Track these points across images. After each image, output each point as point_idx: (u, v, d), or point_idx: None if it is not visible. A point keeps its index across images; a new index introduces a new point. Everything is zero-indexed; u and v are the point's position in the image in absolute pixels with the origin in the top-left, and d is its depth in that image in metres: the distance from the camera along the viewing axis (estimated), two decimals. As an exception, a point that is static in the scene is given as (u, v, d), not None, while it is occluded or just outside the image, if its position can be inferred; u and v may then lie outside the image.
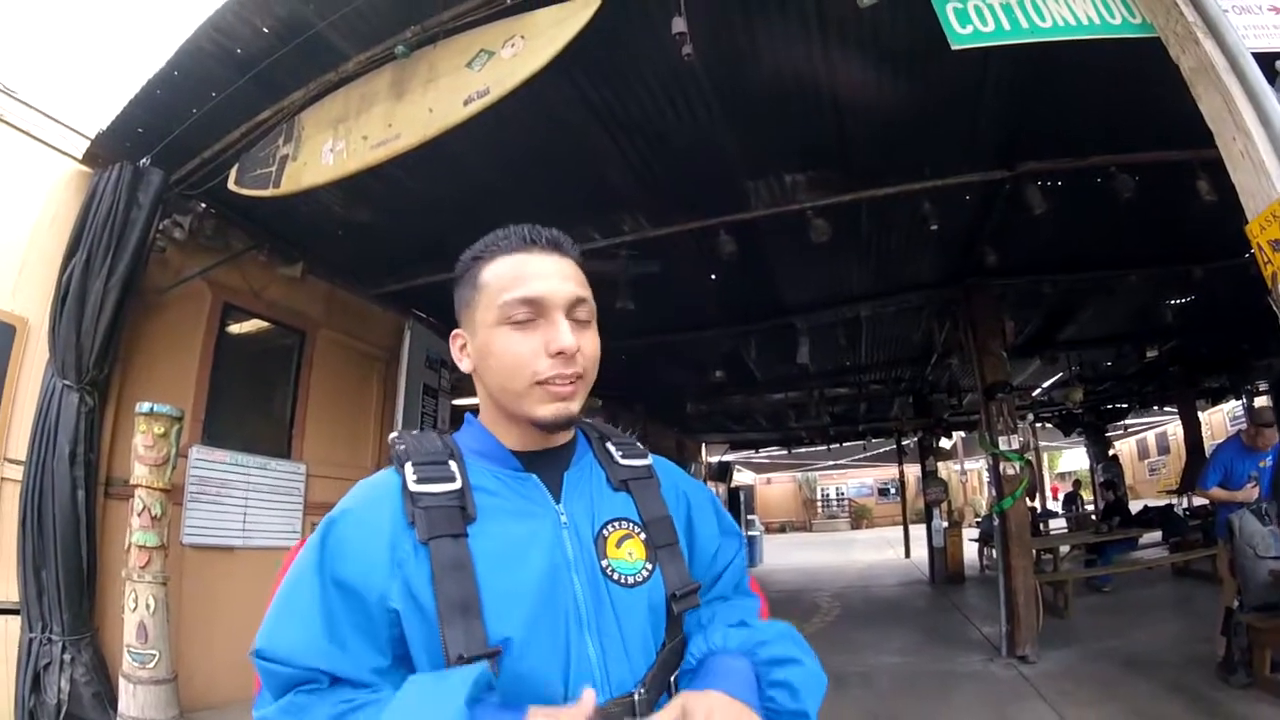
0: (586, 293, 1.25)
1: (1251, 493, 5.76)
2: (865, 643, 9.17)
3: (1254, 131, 2.65)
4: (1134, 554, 12.35)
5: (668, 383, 13.03)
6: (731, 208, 6.44)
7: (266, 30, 4.43)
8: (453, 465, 1.19)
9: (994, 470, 8.35)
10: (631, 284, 7.05)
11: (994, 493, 8.56)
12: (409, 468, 1.16)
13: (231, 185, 5.21)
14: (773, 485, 42.49)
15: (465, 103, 4.11)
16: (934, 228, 6.27)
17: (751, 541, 22.28)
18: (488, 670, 1.00)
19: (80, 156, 5.61)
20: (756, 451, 27.10)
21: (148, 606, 5.02)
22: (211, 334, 6.58)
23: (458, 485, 1.16)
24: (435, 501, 1.12)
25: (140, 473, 5.19)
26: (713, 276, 7.88)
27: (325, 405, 7.75)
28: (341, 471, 7.72)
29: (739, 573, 1.42)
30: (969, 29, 3.30)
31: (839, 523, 40.99)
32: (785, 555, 24.13)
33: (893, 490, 34.16)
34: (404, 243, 7.08)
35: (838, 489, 43.48)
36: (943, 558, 14.74)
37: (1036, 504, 16.91)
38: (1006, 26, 3.30)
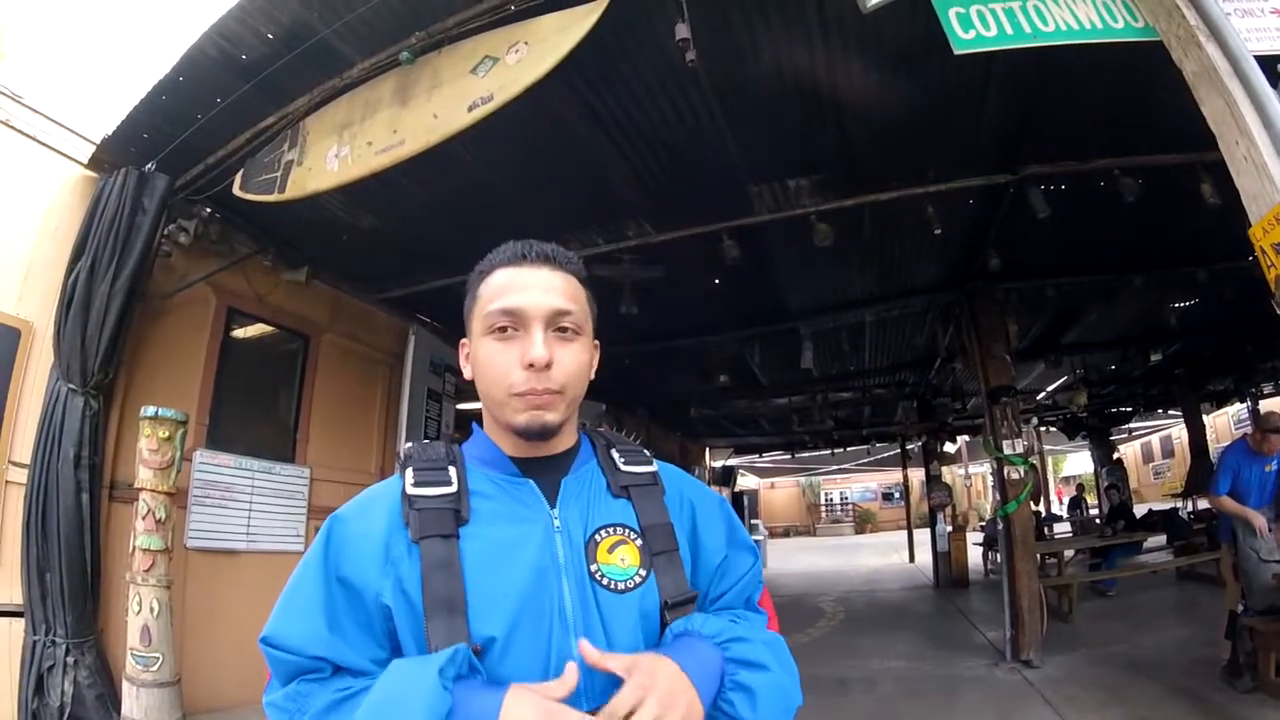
0: (574, 306, 1.28)
1: (1261, 522, 5.71)
2: (869, 647, 9.16)
3: (1257, 135, 2.66)
4: (1138, 558, 12.35)
5: (671, 387, 13.03)
6: (735, 212, 6.45)
7: (271, 36, 4.44)
8: (451, 470, 1.23)
9: (998, 474, 8.34)
10: (635, 289, 7.06)
11: (998, 497, 8.55)
12: (409, 473, 1.22)
13: (236, 190, 5.23)
14: (776, 489, 42.49)
15: (469, 109, 4.12)
16: (937, 232, 6.26)
17: (755, 546, 22.25)
18: (467, 649, 1.04)
19: (85, 161, 5.63)
20: (760, 456, 27.08)
21: (151, 609, 5.02)
22: (216, 338, 6.60)
23: (453, 489, 1.20)
24: (429, 504, 1.17)
25: (145, 476, 5.20)
26: (716, 281, 7.88)
27: (330, 410, 7.76)
28: (346, 476, 7.73)
29: (750, 587, 1.41)
30: (972, 34, 3.30)
31: (843, 527, 40.96)
32: (789, 560, 24.10)
33: (897, 494, 34.24)
34: (408, 248, 7.09)
35: (841, 493, 43.46)
36: (947, 562, 14.73)
37: (1041, 508, 16.85)
38: (1009, 31, 3.30)
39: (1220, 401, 17.53)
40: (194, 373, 6.38)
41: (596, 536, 1.24)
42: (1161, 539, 12.88)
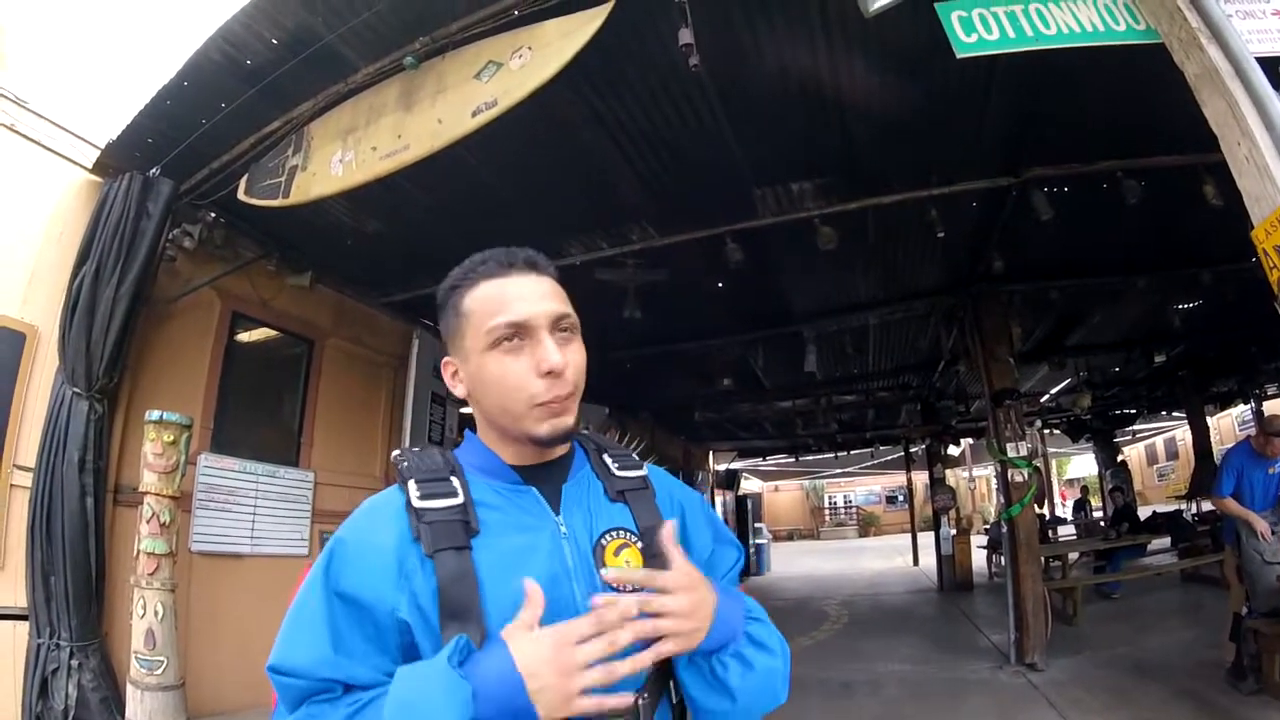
0: (567, 307, 1.28)
1: (1264, 526, 5.69)
2: (873, 651, 9.16)
3: (1259, 136, 2.66)
4: (1143, 560, 12.33)
5: (675, 390, 13.04)
6: (739, 216, 6.46)
7: (275, 42, 4.45)
8: (454, 481, 1.22)
9: (1002, 477, 8.34)
10: (639, 292, 7.07)
11: (1002, 500, 8.54)
12: (412, 485, 1.19)
13: (241, 195, 5.25)
14: (780, 493, 42.47)
15: (473, 114, 4.13)
16: (941, 234, 6.27)
17: (759, 549, 22.26)
18: (466, 638, 1.04)
19: (90, 166, 5.64)
20: (764, 459, 27.09)
21: (156, 613, 5.04)
22: (220, 342, 6.62)
23: (460, 500, 1.19)
24: (439, 516, 1.16)
25: (149, 480, 5.22)
26: (720, 284, 7.89)
27: (334, 413, 7.78)
28: (350, 480, 7.74)
29: (734, 579, 1.45)
30: (974, 37, 3.31)
31: (846, 530, 40.99)
32: (793, 563, 24.11)
33: (900, 498, 34.23)
34: (412, 252, 7.11)
35: (845, 496, 43.48)
36: (951, 565, 14.72)
37: (1045, 510, 16.84)
38: (1011, 34, 3.31)
39: (1224, 403, 17.49)
40: (198, 377, 6.39)
41: (602, 541, 1.26)
42: (1166, 541, 12.85)
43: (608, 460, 1.39)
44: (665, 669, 1.21)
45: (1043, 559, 9.26)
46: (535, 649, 1.01)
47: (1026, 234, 6.73)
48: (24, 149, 5.54)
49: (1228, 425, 22.34)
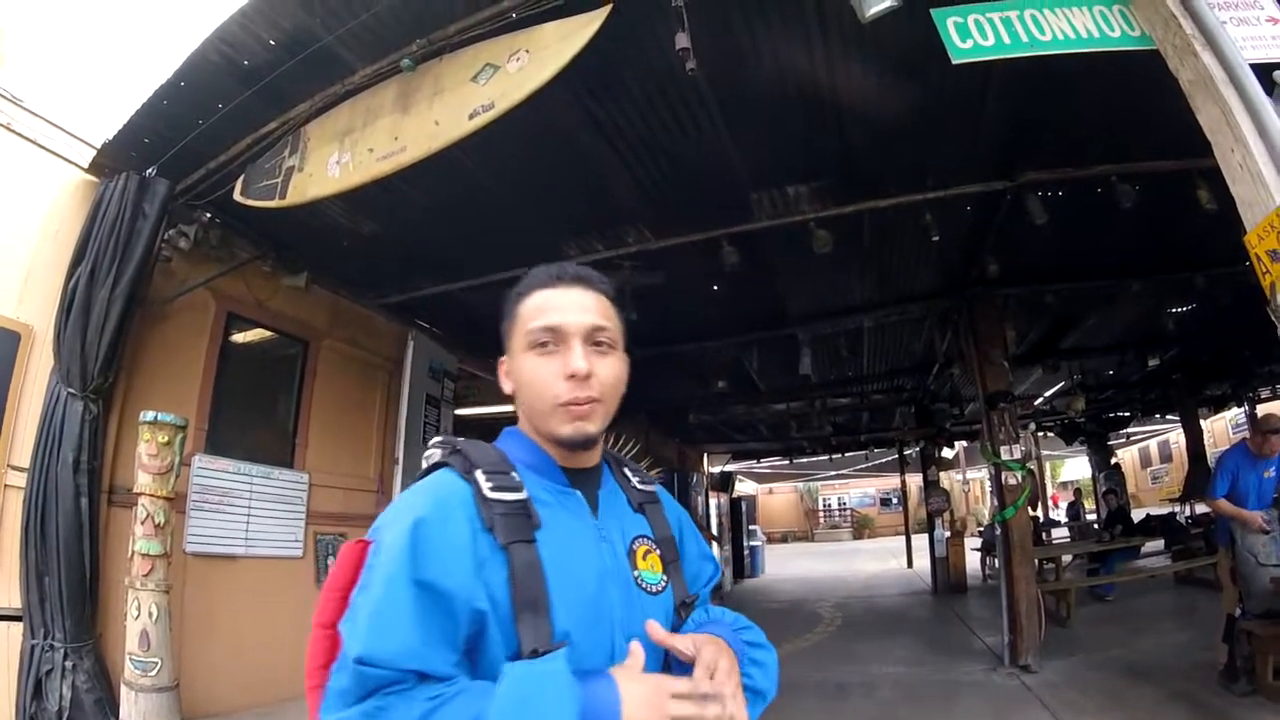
0: (608, 323, 1.37)
1: (1258, 518, 5.71)
2: (868, 653, 9.17)
3: (1252, 143, 2.67)
4: (1136, 562, 12.36)
5: (670, 393, 13.01)
6: (734, 219, 6.48)
7: (273, 42, 4.45)
8: (516, 475, 1.28)
9: (996, 479, 8.35)
10: (635, 295, 7.08)
11: (996, 502, 8.55)
12: (481, 475, 1.25)
13: (237, 196, 5.25)
14: (774, 495, 42.46)
15: (470, 116, 4.14)
16: (935, 238, 6.29)
17: (753, 551, 22.29)
18: (565, 650, 1.12)
19: (86, 166, 5.64)
20: (758, 461, 27.12)
21: (150, 614, 5.03)
22: (215, 343, 6.61)
23: (525, 495, 1.25)
24: (509, 509, 1.22)
25: (144, 481, 5.21)
26: (715, 287, 7.90)
27: (328, 415, 7.77)
28: (344, 481, 7.75)
29: (710, 590, 1.59)
30: (969, 43, 3.33)
31: (841, 532, 40.98)
32: (787, 565, 24.12)
33: (895, 500, 34.18)
34: (408, 254, 7.12)
35: (840, 499, 43.50)
36: (945, 567, 14.74)
37: (1039, 513, 16.88)
38: (1006, 40, 3.32)
39: (1218, 406, 17.57)
40: (193, 377, 6.39)
41: (634, 546, 1.39)
42: (1159, 544, 12.91)
43: (628, 474, 1.52)
44: (669, 668, 1.29)
45: (1036, 561, 9.26)
46: (640, 689, 1.12)
47: (1021, 238, 6.76)
48: (20, 148, 5.53)
49: (1221, 428, 22.42)
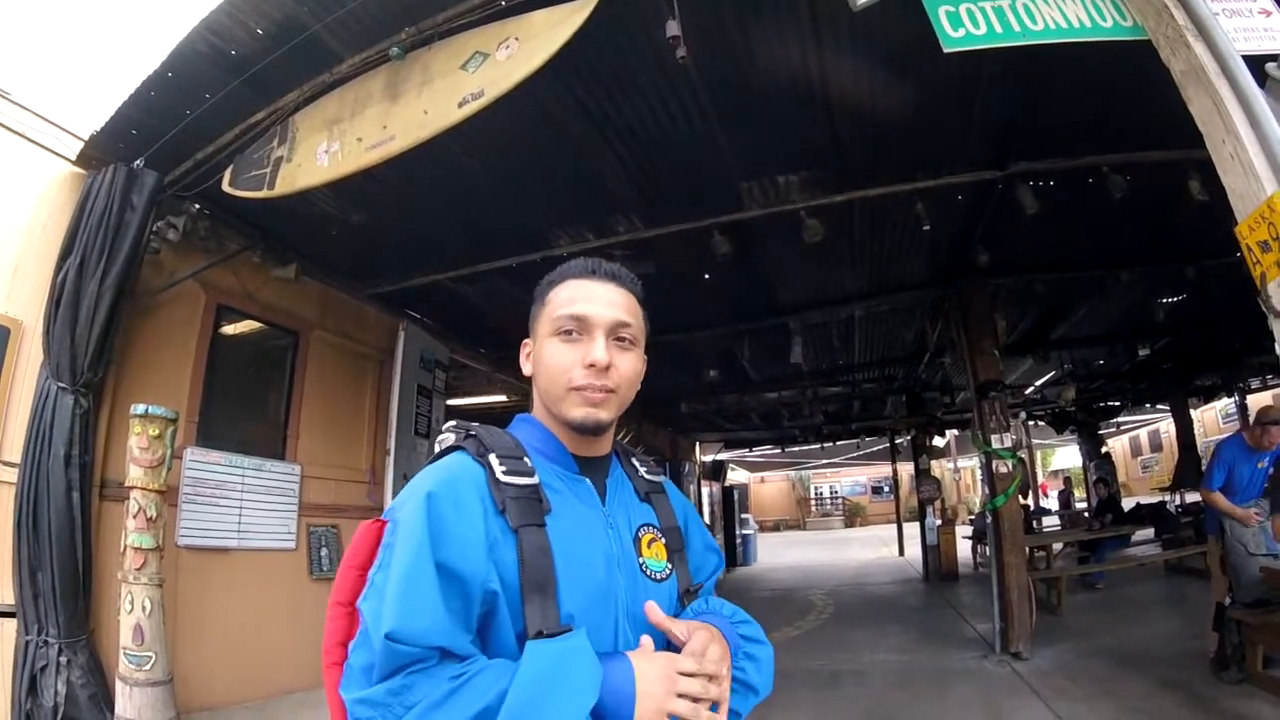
0: (633, 320, 1.44)
1: (1251, 517, 5.73)
2: (860, 641, 9.21)
3: (1243, 134, 2.67)
4: (1126, 551, 12.40)
5: (661, 382, 13.02)
6: (725, 208, 6.47)
7: (261, 32, 4.42)
8: (528, 461, 1.33)
9: (987, 468, 8.38)
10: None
11: (987, 490, 8.58)
12: (494, 459, 1.29)
13: (225, 187, 5.21)
14: (766, 484, 42.58)
15: (460, 104, 4.12)
16: (926, 227, 6.30)
17: (745, 540, 22.34)
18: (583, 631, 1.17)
19: (74, 158, 5.60)
20: (750, 450, 27.14)
21: (144, 608, 5.02)
22: (206, 335, 6.57)
23: (536, 480, 1.30)
24: (520, 493, 1.26)
25: (135, 474, 5.19)
26: (706, 276, 7.89)
27: (320, 406, 7.75)
28: (336, 473, 7.73)
29: (714, 582, 1.64)
30: (961, 32, 3.32)
31: (833, 521, 41.06)
32: (779, 554, 24.20)
33: (886, 488, 34.35)
34: (398, 244, 7.09)
35: (831, 487, 43.63)
36: (936, 555, 14.80)
37: (1029, 501, 16.95)
38: (998, 29, 3.31)
39: (1208, 396, 17.64)
40: (184, 370, 6.35)
41: (639, 533, 1.44)
42: (1149, 532, 12.97)
43: (636, 464, 1.58)
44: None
45: (1027, 549, 9.30)
46: (652, 667, 1.18)
47: (1012, 227, 6.75)
48: (6, 140, 5.48)
49: (1211, 418, 22.53)
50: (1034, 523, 14.94)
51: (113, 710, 4.95)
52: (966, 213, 6.82)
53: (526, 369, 1.49)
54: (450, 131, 4.25)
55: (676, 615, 1.38)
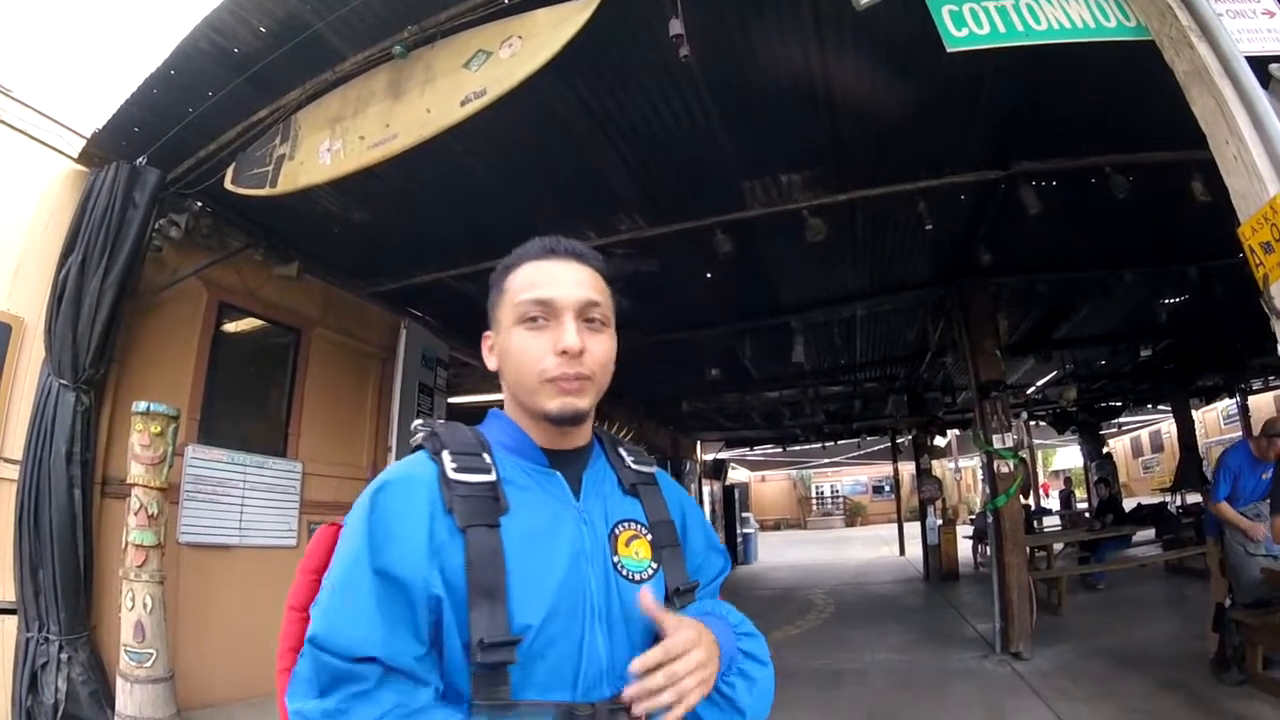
0: (601, 298, 1.32)
1: (1259, 530, 5.70)
2: (860, 640, 9.22)
3: (1247, 135, 2.67)
4: (1127, 551, 12.40)
5: (663, 381, 13.00)
6: (728, 207, 6.46)
7: (264, 30, 4.42)
8: (486, 457, 1.24)
9: (988, 468, 8.38)
10: (628, 283, 7.06)
11: (988, 490, 8.58)
12: (447, 456, 1.21)
13: (228, 185, 5.22)
14: (767, 483, 42.57)
15: (462, 103, 4.12)
16: (929, 227, 6.30)
17: (746, 539, 22.35)
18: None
19: (76, 156, 5.59)
20: (751, 449, 27.14)
21: (145, 605, 5.02)
22: (207, 333, 6.58)
23: (492, 477, 1.21)
24: (472, 491, 1.18)
25: (137, 472, 5.19)
26: (708, 275, 7.89)
27: (321, 404, 7.75)
28: (338, 470, 7.73)
29: (719, 584, 1.53)
30: (965, 32, 3.31)
31: (833, 520, 41.10)
32: (780, 553, 24.20)
33: (887, 488, 34.34)
34: (400, 242, 7.09)
35: (832, 486, 43.64)
36: (937, 555, 14.80)
37: (1030, 501, 16.95)
38: (1002, 29, 3.31)
39: (1209, 397, 17.62)
40: (185, 367, 6.35)
41: (616, 530, 1.31)
42: (1150, 533, 12.96)
43: (623, 453, 1.45)
44: None
45: (1028, 549, 9.31)
46: None
47: (1015, 227, 6.75)
48: (9, 138, 5.49)
49: (1213, 419, 22.53)
50: (1035, 523, 14.94)
51: (113, 707, 4.95)
52: (969, 212, 6.81)
53: (491, 363, 1.38)
54: (453, 130, 4.25)
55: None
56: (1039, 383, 15.18)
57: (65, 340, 5.14)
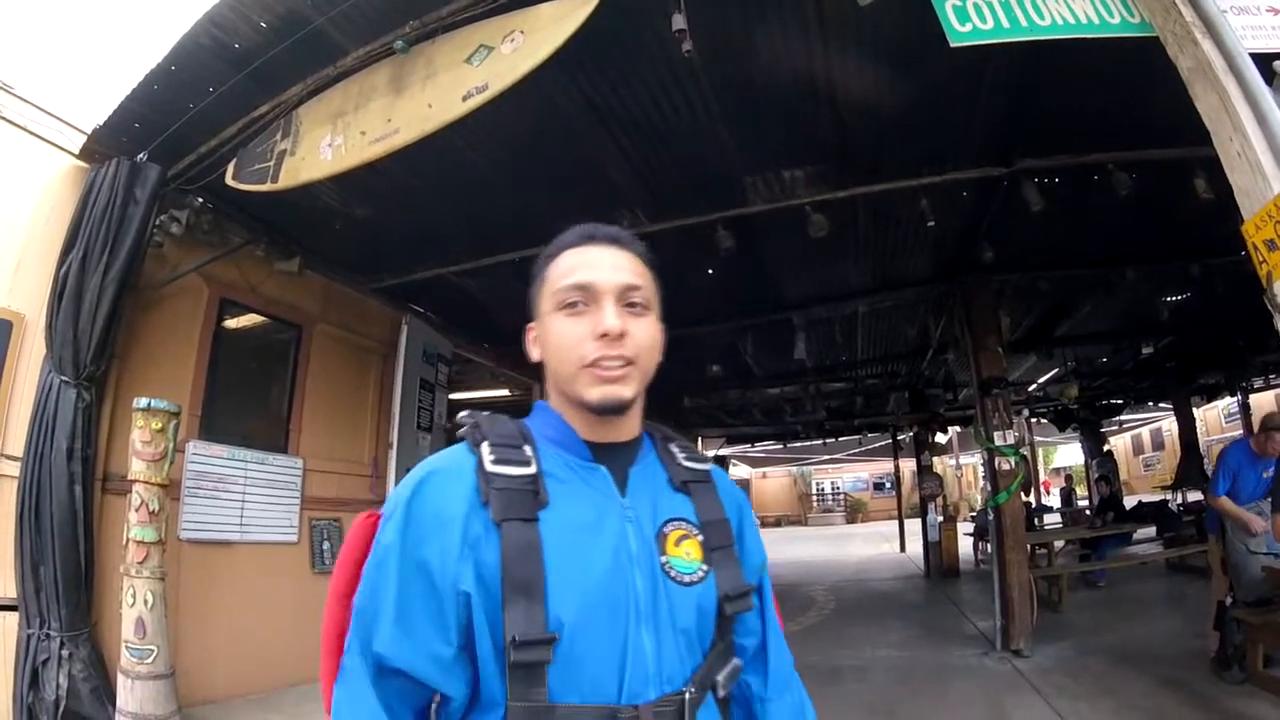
0: (642, 282, 1.29)
1: (1257, 522, 5.68)
2: (861, 636, 9.21)
3: (1251, 132, 2.66)
4: (1128, 549, 12.40)
5: (664, 376, 12.76)
6: (730, 203, 6.45)
7: (264, 25, 4.42)
8: (527, 450, 1.20)
9: (989, 465, 8.38)
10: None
11: (989, 487, 8.58)
12: (485, 448, 1.18)
13: (229, 180, 5.21)
14: (768, 479, 42.60)
15: (464, 98, 4.11)
16: (931, 223, 6.29)
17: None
18: None
19: (77, 152, 5.60)
20: (752, 446, 27.18)
21: (146, 602, 5.03)
22: (209, 329, 6.58)
23: (532, 470, 1.18)
24: (509, 484, 1.14)
25: (138, 468, 5.20)
26: (710, 271, 7.87)
27: (322, 400, 7.76)
28: (339, 466, 7.74)
29: (769, 589, 1.46)
30: (968, 27, 3.31)
31: (834, 517, 41.10)
32: (781, 549, 24.13)
33: (888, 484, 34.38)
34: (402, 237, 7.08)
35: (833, 483, 43.65)
36: (938, 552, 14.79)
37: (1031, 499, 16.95)
38: (1005, 24, 3.30)
39: (1211, 395, 17.59)
40: (186, 364, 6.36)
41: (665, 529, 1.25)
42: (1151, 531, 12.96)
43: (674, 449, 1.40)
44: (713, 666, 1.24)
45: (1029, 547, 9.31)
46: None
47: (1017, 224, 6.74)
48: (10, 135, 5.50)
49: (1214, 417, 22.54)
50: (1035, 520, 14.93)
51: (114, 704, 4.96)
52: (971, 209, 6.79)
53: (534, 354, 1.34)
54: (454, 125, 4.24)
55: (714, 625, 1.25)
56: (1040, 380, 15.17)
57: (66, 336, 5.14)
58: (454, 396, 9.40)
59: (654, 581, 1.19)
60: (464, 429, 1.25)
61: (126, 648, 4.97)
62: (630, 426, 1.33)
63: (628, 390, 1.23)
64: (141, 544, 5.09)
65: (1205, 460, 15.43)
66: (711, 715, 1.22)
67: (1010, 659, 7.30)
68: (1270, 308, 2.67)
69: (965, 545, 15.94)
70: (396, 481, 7.75)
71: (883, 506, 37.28)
